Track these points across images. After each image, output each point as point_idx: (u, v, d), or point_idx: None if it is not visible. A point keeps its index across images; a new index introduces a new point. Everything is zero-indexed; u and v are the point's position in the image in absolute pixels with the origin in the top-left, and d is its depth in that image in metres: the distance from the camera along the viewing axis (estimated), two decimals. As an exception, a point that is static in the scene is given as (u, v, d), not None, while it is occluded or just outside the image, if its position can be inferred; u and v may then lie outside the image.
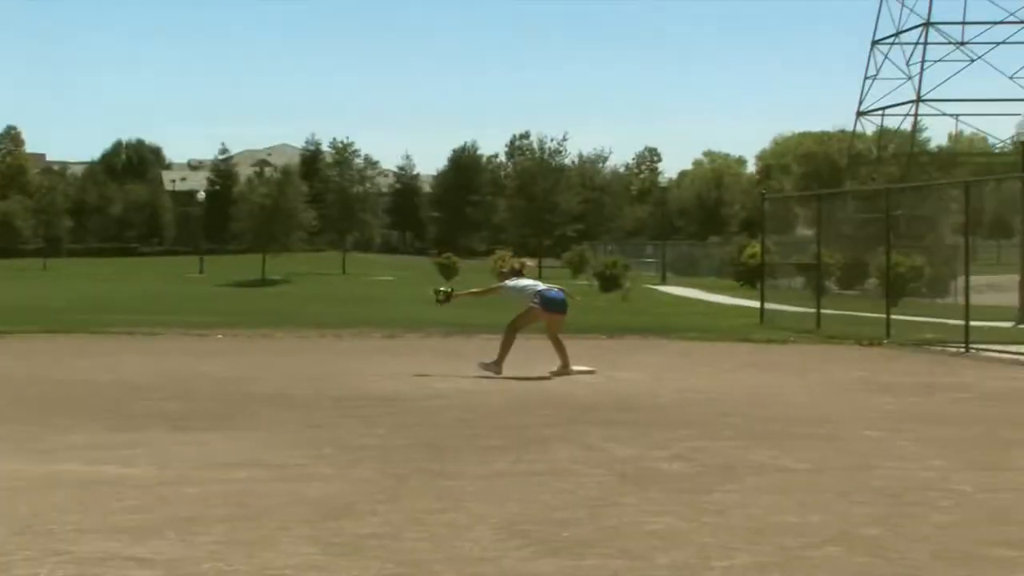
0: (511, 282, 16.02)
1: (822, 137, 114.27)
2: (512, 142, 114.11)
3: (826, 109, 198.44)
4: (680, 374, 15.97)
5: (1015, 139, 36.31)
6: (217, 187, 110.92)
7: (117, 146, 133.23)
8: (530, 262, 17.70)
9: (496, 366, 15.20)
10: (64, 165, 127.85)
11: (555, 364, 15.41)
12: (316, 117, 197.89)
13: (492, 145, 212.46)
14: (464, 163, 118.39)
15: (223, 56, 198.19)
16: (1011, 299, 31.04)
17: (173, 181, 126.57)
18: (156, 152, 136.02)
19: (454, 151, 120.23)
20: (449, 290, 17.20)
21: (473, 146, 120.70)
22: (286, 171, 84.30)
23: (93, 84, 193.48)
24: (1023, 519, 7.24)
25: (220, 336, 21.53)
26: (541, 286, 15.99)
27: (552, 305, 15.62)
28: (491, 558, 6.18)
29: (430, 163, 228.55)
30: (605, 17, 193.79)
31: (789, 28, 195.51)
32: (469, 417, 11.49)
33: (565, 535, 6.68)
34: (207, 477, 8.36)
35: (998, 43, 70.92)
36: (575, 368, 15.49)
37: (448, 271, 64.84)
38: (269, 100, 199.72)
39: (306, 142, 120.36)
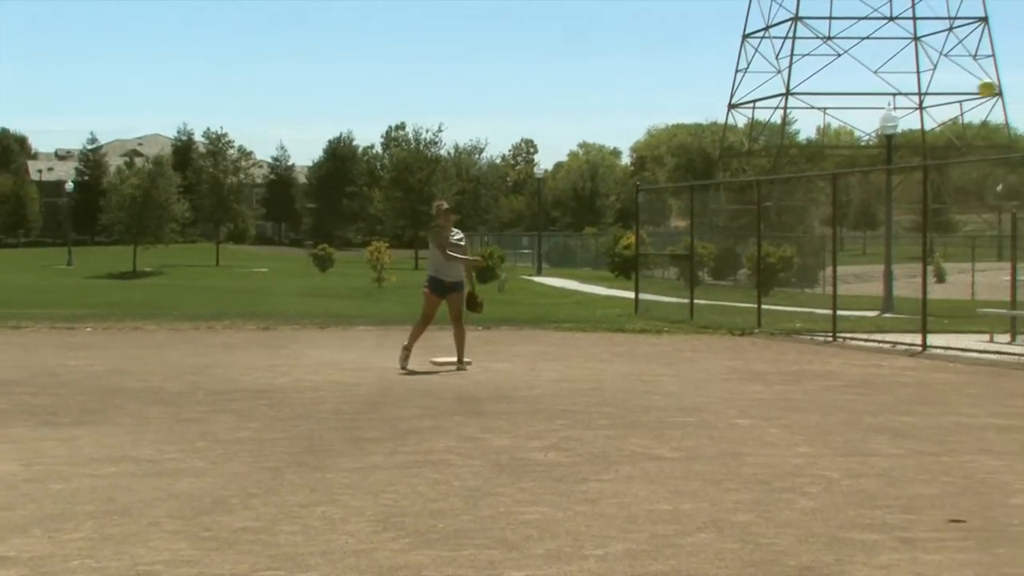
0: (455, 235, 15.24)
1: (695, 129, 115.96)
2: (388, 133, 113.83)
3: (700, 102, 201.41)
4: (555, 364, 16.07)
5: (880, 132, 37.24)
6: (86, 177, 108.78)
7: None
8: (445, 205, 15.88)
9: (460, 363, 15.05)
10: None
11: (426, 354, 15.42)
12: (188, 107, 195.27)
13: (368, 136, 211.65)
14: (340, 154, 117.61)
15: (92, 44, 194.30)
16: (876, 289, 31.88)
17: (40, 171, 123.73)
18: (21, 141, 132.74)
19: (329, 142, 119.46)
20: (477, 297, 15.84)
21: (349, 137, 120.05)
22: (158, 161, 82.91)
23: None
24: (887, 503, 7.43)
25: (89, 329, 21.10)
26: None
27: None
28: (366, 550, 6.17)
29: (305, 154, 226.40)
30: (481, 10, 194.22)
31: (664, 21, 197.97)
32: (345, 409, 11.43)
33: (441, 526, 6.69)
34: (75, 473, 8.20)
35: (863, 38, 72.65)
36: (437, 359, 15.45)
37: (324, 262, 64.45)
38: (140, 89, 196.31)
39: (178, 132, 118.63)
